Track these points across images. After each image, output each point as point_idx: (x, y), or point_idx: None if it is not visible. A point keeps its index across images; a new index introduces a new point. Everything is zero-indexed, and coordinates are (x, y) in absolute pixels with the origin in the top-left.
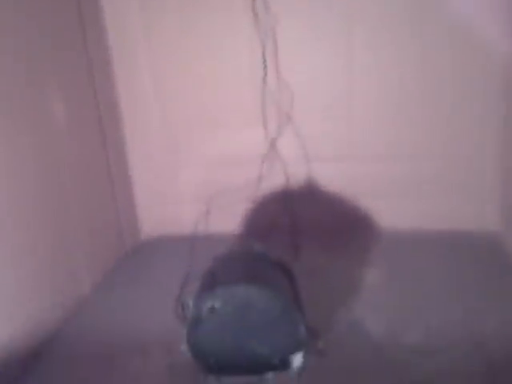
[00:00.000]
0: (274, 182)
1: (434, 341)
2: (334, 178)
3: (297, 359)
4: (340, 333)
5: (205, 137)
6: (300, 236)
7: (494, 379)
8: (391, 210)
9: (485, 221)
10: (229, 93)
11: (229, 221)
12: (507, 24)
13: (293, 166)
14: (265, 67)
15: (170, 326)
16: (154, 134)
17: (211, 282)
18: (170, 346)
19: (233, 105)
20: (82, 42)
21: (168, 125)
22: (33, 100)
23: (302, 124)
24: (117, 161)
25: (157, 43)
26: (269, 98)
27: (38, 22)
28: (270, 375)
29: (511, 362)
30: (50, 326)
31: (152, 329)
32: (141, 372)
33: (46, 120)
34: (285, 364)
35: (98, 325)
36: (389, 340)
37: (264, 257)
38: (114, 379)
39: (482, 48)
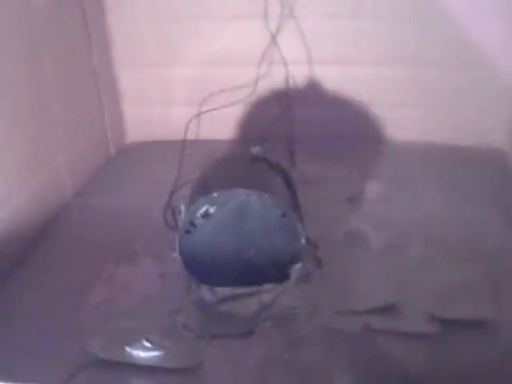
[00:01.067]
0: (273, 83)
1: (433, 253)
2: (337, 81)
3: (295, 270)
4: (338, 244)
5: (198, 30)
6: (297, 143)
7: (494, 288)
8: (396, 120)
9: (492, 137)
10: None
11: (222, 125)
12: None
13: (293, 66)
14: None
15: (159, 232)
16: (141, 27)
17: (205, 186)
18: (159, 254)
19: None
20: None
21: (156, 17)
22: None
23: (305, 20)
24: (101, 57)
25: None
26: None
27: None
28: (266, 286)
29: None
30: (29, 232)
31: (140, 236)
32: (129, 281)
33: (25, 5)
34: (282, 274)
35: (81, 231)
36: (388, 252)
37: (262, 160)
38: (99, 288)
39: None
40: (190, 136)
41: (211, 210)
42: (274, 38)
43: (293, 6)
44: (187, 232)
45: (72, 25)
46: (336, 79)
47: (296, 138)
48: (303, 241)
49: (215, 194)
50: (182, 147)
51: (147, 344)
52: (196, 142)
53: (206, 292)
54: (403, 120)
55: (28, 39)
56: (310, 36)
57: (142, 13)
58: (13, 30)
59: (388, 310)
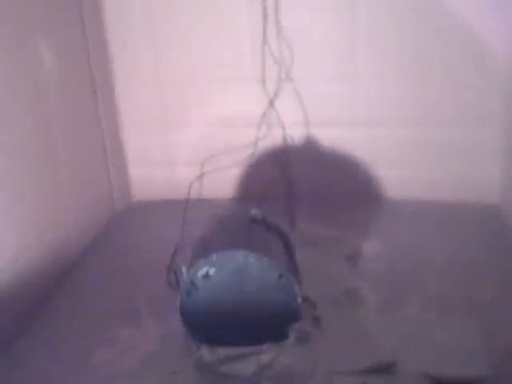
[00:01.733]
0: (272, 144)
1: (430, 310)
2: (334, 142)
3: (293, 329)
4: (337, 303)
5: (200, 95)
6: (297, 202)
7: (488, 344)
8: (392, 178)
9: (485, 193)
10: (226, 48)
11: (223, 185)
12: None
13: (291, 129)
14: (265, 24)
15: (161, 292)
16: (147, 92)
17: (205, 247)
18: (161, 315)
19: (231, 62)
20: None
21: (162, 84)
22: (21, 48)
23: (303, 85)
24: (108, 121)
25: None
26: (268, 56)
27: None
28: (265, 346)
29: (508, 329)
30: (38, 292)
31: (143, 296)
32: (131, 341)
33: (36, 72)
34: (281, 334)
35: (86, 290)
36: (385, 310)
37: (261, 222)
38: (102, 348)
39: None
40: (193, 195)
41: (211, 272)
42: (271, 101)
43: (289, 70)
44: (188, 293)
45: (81, 91)
46: (333, 139)
47: (295, 197)
48: (300, 301)
49: (214, 256)
50: (185, 207)
51: None
52: (199, 201)
53: (206, 352)
54: (400, 178)
55: (39, 105)
56: (306, 99)
57: (148, 80)
58: (25, 96)
59: (385, 369)
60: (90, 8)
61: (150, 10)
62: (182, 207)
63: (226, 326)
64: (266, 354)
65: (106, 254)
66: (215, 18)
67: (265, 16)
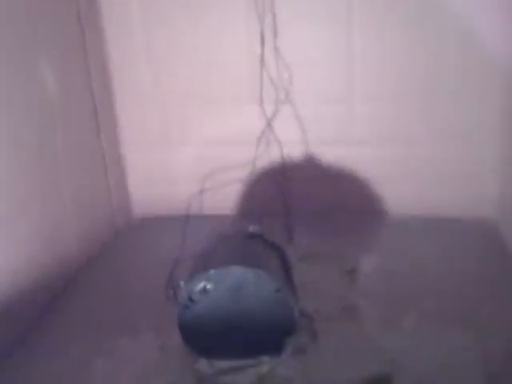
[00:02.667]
0: (270, 163)
1: (428, 328)
2: (332, 160)
3: (289, 342)
4: (334, 317)
5: (199, 114)
6: (294, 219)
7: (491, 371)
8: (389, 195)
9: (482, 209)
10: (225, 70)
11: (222, 202)
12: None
13: (289, 148)
14: (262, 45)
15: (160, 307)
16: (146, 111)
17: (204, 263)
18: (160, 328)
19: (229, 82)
20: (75, 11)
21: (161, 103)
22: (23, 69)
23: (300, 105)
24: (109, 138)
25: (152, 18)
26: (266, 77)
27: None
28: (263, 358)
29: (507, 351)
30: (37, 304)
31: (142, 310)
32: (130, 354)
33: (37, 90)
34: (278, 347)
35: (86, 305)
36: (383, 326)
37: (258, 238)
38: (101, 360)
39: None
40: (193, 211)
41: (209, 287)
42: (269, 122)
43: (288, 91)
44: (186, 307)
45: (82, 109)
46: (331, 158)
47: (293, 213)
48: (297, 314)
49: (212, 271)
50: (185, 223)
51: None
52: (198, 217)
53: (204, 365)
54: (399, 194)
55: (40, 123)
56: (304, 118)
57: (148, 97)
58: (26, 115)
59: (382, 382)
60: (90, 27)
61: (151, 30)
62: (182, 223)
63: (224, 339)
64: (264, 366)
65: (106, 269)
66: (214, 39)
67: (262, 38)
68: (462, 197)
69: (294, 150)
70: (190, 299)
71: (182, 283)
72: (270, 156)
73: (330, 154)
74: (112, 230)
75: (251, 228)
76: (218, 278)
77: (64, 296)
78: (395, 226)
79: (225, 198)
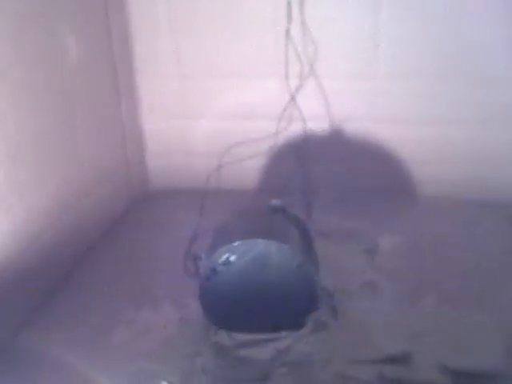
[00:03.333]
0: (291, 138)
1: (447, 305)
2: (354, 137)
3: (311, 318)
4: (354, 294)
5: (221, 86)
6: (314, 195)
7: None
8: (415, 175)
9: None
10: (250, 41)
11: (241, 177)
12: None
13: (312, 123)
14: (289, 18)
15: (179, 278)
16: (167, 81)
17: (224, 236)
18: (179, 300)
19: (253, 54)
20: None
21: (182, 73)
22: (45, 34)
23: (324, 79)
24: (128, 109)
25: None
26: (292, 50)
27: None
28: (283, 333)
29: None
30: (57, 271)
31: (160, 281)
32: (150, 324)
33: (59, 55)
34: (298, 322)
35: (104, 274)
36: (402, 303)
37: (280, 212)
38: (120, 330)
39: None
40: (212, 185)
41: (232, 259)
42: (293, 96)
43: (313, 65)
44: (208, 278)
45: (103, 79)
46: (353, 134)
47: (313, 190)
48: (319, 290)
49: (236, 244)
50: (203, 196)
51: None
52: (216, 192)
53: (224, 337)
54: (425, 175)
55: (63, 92)
56: (328, 94)
57: (169, 70)
58: (50, 84)
59: (401, 359)
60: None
61: (173, 1)
62: (200, 197)
63: (245, 312)
64: (284, 340)
65: (124, 240)
66: (238, 11)
67: (289, 12)
68: (491, 180)
69: (316, 126)
70: (213, 271)
71: (203, 255)
72: (291, 131)
73: (352, 130)
74: (130, 201)
75: (273, 202)
76: (242, 251)
77: (82, 264)
78: (418, 207)
79: (244, 173)
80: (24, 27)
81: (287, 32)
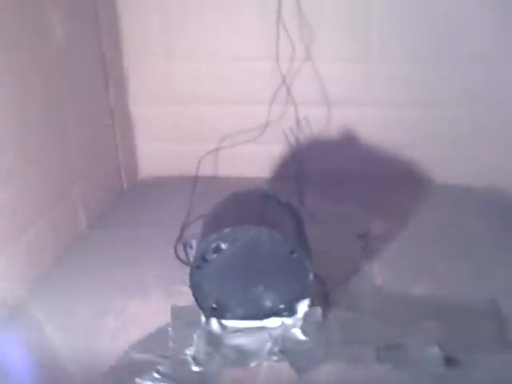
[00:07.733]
0: (284, 122)
1: (441, 294)
2: (347, 122)
3: (303, 305)
4: (346, 280)
5: (211, 70)
6: (307, 181)
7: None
8: (408, 160)
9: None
10: (242, 23)
11: (233, 163)
12: None
13: (304, 109)
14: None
15: (169, 266)
16: (155, 65)
17: (216, 222)
18: (170, 288)
19: (245, 36)
20: None
21: (171, 58)
22: (30, 14)
23: (317, 63)
24: (117, 94)
25: None
26: (283, 32)
27: None
28: (275, 320)
29: None
30: (44, 260)
31: (151, 269)
32: (140, 313)
33: (45, 36)
34: (290, 310)
35: (93, 262)
36: (395, 291)
37: (273, 198)
38: (110, 320)
39: None
40: (203, 173)
41: (223, 246)
42: (284, 79)
43: (307, 48)
44: (198, 267)
45: (90, 64)
46: (346, 119)
47: (305, 176)
48: (311, 277)
49: (227, 230)
50: (194, 183)
51: (157, 376)
52: (207, 179)
53: (215, 325)
54: (417, 159)
55: (50, 77)
56: (320, 78)
57: (158, 54)
58: (36, 68)
59: (397, 343)
60: None
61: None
62: (191, 184)
63: (236, 299)
64: (276, 328)
65: (115, 227)
66: None
67: None
68: (497, 168)
69: (309, 112)
70: (203, 258)
71: (193, 242)
72: (284, 117)
73: (345, 115)
74: (119, 188)
75: (264, 188)
76: (233, 238)
77: (71, 253)
78: (410, 191)
79: (235, 160)
80: (8, 8)
81: (278, 14)
